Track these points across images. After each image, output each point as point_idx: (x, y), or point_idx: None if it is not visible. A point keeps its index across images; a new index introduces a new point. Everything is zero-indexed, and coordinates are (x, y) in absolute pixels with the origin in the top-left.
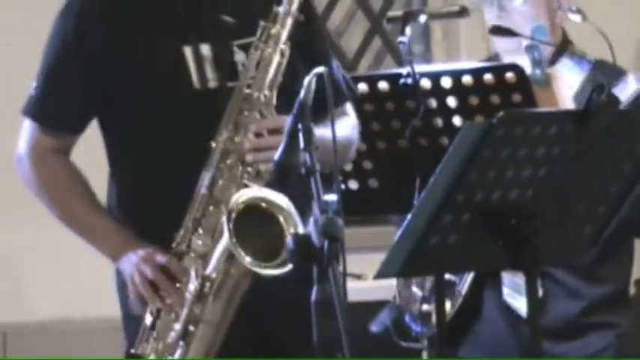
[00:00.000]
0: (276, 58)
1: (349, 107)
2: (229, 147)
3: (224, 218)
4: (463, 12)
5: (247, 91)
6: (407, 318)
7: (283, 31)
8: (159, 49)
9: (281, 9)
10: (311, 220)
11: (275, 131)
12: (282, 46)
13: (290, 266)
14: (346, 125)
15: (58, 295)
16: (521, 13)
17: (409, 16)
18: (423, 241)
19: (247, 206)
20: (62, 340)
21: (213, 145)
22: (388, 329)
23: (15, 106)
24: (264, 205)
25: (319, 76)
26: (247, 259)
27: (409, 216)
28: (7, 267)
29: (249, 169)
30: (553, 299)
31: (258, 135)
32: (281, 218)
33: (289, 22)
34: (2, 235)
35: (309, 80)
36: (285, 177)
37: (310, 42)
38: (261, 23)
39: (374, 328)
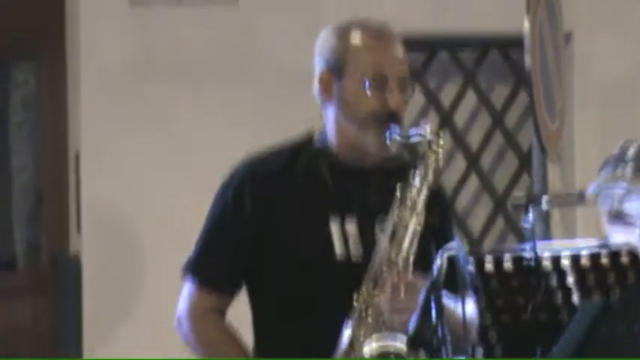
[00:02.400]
0: (413, 224)
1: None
2: (368, 303)
3: None
4: (581, 198)
5: (387, 254)
6: None
7: (419, 199)
8: (307, 222)
9: (418, 179)
10: None
11: (411, 290)
12: (418, 212)
13: None
14: (471, 306)
15: None
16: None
17: (532, 202)
18: None
19: (380, 355)
20: None
21: (355, 303)
22: None
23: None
24: (394, 357)
25: (453, 254)
26: None
27: None
28: None
29: (386, 324)
30: None
31: (394, 293)
32: None
33: (425, 190)
34: None
35: (442, 257)
36: (418, 346)
37: (440, 221)
38: (400, 189)
39: None
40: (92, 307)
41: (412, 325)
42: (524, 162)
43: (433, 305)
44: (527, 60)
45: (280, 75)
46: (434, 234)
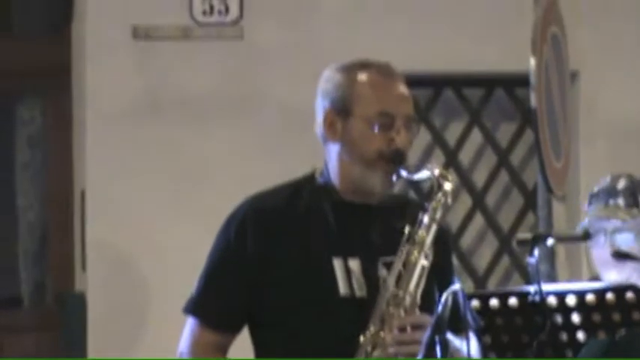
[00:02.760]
0: (421, 261)
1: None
2: (376, 341)
3: None
4: (586, 236)
5: (394, 290)
6: None
7: (428, 237)
8: (309, 260)
9: (425, 218)
10: None
11: (418, 327)
12: (426, 250)
13: None
14: (475, 345)
15: None
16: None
17: (537, 240)
18: None
19: None
20: None
21: (362, 339)
22: None
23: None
24: None
25: (455, 294)
26: None
27: None
28: None
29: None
30: None
31: (401, 330)
32: None
33: (433, 229)
34: None
35: (446, 296)
36: None
37: (442, 259)
38: (407, 229)
39: None
40: (97, 345)
41: None
42: (530, 200)
43: (438, 343)
44: (533, 98)
45: (286, 112)
46: (436, 272)
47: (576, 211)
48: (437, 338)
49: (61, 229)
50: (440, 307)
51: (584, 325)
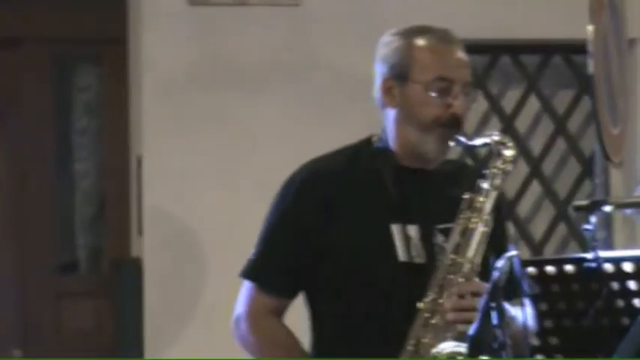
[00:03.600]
0: (480, 228)
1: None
2: (434, 308)
3: None
4: None
5: (453, 257)
6: None
7: (487, 204)
8: (368, 226)
9: (485, 184)
10: None
11: (477, 295)
12: (485, 216)
13: None
14: (531, 312)
15: None
16: None
17: (595, 206)
18: None
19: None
20: None
21: (420, 305)
22: None
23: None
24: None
25: (510, 260)
26: None
27: None
28: None
29: (451, 328)
30: None
31: (460, 297)
32: None
33: (493, 195)
34: None
35: (502, 262)
36: (478, 350)
37: (497, 230)
38: (467, 195)
39: None
40: (153, 310)
41: (473, 330)
42: (587, 168)
43: (494, 310)
44: (591, 65)
45: (341, 79)
46: (492, 239)
47: (633, 178)
48: (492, 305)
49: (118, 196)
50: (495, 274)
51: None
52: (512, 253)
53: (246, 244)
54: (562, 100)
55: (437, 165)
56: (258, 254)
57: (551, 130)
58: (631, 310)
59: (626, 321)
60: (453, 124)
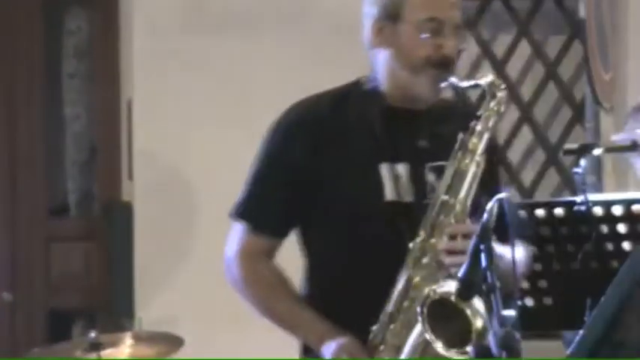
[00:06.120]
0: (472, 169)
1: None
2: (425, 247)
3: (419, 308)
4: (635, 146)
5: (444, 197)
6: None
7: (480, 145)
8: (356, 165)
9: (479, 126)
10: (491, 333)
11: (468, 236)
12: (478, 158)
13: None
14: (521, 251)
15: None
16: None
17: (585, 149)
18: (593, 357)
19: (440, 299)
20: None
21: (411, 245)
22: None
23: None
24: (453, 299)
25: (501, 202)
26: (439, 345)
27: (580, 333)
28: None
29: (443, 268)
30: None
31: (452, 238)
32: (468, 312)
33: (486, 136)
34: None
35: (492, 204)
36: (467, 292)
37: (491, 171)
38: (460, 136)
39: None
40: (143, 253)
41: (462, 271)
42: (578, 113)
43: (483, 251)
44: (582, 10)
45: (334, 22)
46: (484, 181)
47: (624, 123)
48: (481, 246)
49: (108, 139)
50: (485, 215)
51: (630, 235)
52: (503, 194)
53: (237, 187)
54: (553, 45)
55: (428, 105)
56: (247, 194)
57: (542, 75)
58: (620, 253)
59: (615, 264)
60: (444, 65)
